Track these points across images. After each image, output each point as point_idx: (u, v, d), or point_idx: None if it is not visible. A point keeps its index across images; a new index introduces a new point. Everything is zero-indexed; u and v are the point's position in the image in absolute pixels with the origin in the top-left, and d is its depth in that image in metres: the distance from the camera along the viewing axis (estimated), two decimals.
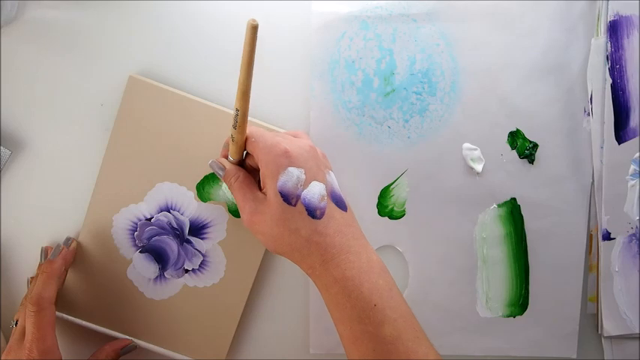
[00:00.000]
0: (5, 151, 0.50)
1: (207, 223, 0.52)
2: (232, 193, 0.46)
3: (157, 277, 0.52)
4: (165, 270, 0.52)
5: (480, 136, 0.53)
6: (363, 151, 0.53)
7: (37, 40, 0.51)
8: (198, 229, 0.52)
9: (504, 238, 0.54)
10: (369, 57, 0.52)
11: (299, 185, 0.42)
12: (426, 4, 0.52)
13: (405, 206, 0.53)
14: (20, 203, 0.52)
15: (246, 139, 0.45)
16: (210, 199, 0.51)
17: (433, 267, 0.53)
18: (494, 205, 0.53)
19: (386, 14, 0.52)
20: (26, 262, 0.52)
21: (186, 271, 0.52)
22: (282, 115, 0.52)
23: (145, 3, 0.51)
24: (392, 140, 0.53)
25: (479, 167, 0.53)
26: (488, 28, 0.52)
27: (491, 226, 0.53)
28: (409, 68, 0.52)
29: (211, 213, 0.52)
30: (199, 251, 0.52)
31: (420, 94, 0.53)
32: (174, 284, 0.52)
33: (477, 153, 0.53)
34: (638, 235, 0.54)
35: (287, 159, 0.43)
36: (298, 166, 0.43)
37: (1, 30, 0.50)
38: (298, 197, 0.42)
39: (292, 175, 0.42)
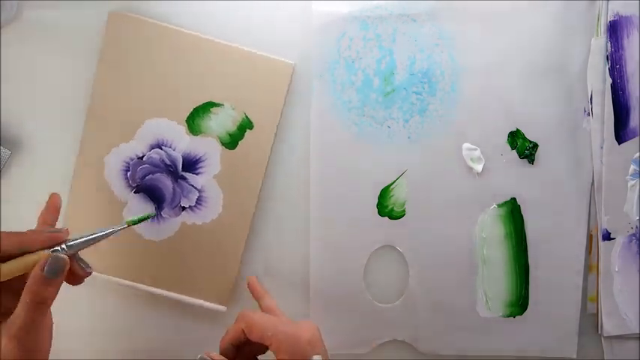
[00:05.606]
0: (5, 151, 0.50)
1: (200, 157, 0.51)
2: None
3: (154, 216, 0.52)
4: (162, 209, 0.51)
5: (480, 136, 0.53)
6: (363, 151, 0.53)
7: (37, 40, 0.51)
8: (191, 164, 0.51)
9: (504, 238, 0.54)
10: (369, 57, 0.52)
11: None
12: (426, 4, 0.52)
13: (405, 206, 0.53)
14: (20, 203, 0.52)
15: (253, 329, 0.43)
16: (201, 132, 0.51)
17: (433, 267, 0.53)
18: (494, 205, 0.53)
19: (386, 14, 0.52)
20: None
21: (183, 208, 0.51)
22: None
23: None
24: (392, 140, 0.53)
25: (479, 167, 0.53)
26: (488, 28, 0.52)
27: (491, 226, 0.53)
28: (409, 68, 0.52)
29: (204, 146, 0.51)
30: (194, 187, 0.51)
31: (420, 94, 0.52)
32: (173, 223, 0.51)
33: (477, 153, 0.53)
34: (638, 235, 0.54)
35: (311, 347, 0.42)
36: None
37: (1, 30, 0.50)
38: None
39: None
